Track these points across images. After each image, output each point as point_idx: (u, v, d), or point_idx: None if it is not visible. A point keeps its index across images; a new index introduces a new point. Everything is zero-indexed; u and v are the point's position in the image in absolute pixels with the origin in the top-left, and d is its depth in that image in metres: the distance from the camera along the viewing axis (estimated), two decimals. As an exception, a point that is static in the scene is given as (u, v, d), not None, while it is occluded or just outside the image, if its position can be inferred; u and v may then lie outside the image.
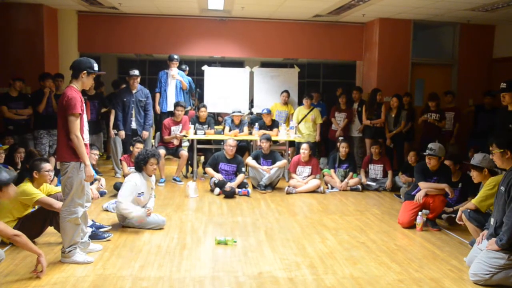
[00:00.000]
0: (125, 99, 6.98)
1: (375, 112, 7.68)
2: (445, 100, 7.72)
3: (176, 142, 7.31)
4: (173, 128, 7.27)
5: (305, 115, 7.90)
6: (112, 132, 7.13)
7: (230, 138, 6.84)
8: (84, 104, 3.68)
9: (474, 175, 4.47)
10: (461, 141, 7.61)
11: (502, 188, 3.63)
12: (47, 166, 4.28)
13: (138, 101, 6.98)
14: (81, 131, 3.60)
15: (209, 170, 6.63)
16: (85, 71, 3.64)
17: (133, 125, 7.04)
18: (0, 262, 3.51)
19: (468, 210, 4.19)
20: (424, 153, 5.13)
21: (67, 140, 3.56)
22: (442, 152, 5.13)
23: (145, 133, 7.06)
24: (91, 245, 4.00)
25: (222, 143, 7.09)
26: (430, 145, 5.13)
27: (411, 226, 5.08)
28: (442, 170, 5.21)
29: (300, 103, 8.46)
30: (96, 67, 3.72)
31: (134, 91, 6.98)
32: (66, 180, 3.60)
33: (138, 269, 3.69)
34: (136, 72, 7.01)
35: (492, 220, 3.75)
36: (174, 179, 7.13)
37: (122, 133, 7.02)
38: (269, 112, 7.74)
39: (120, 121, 7.01)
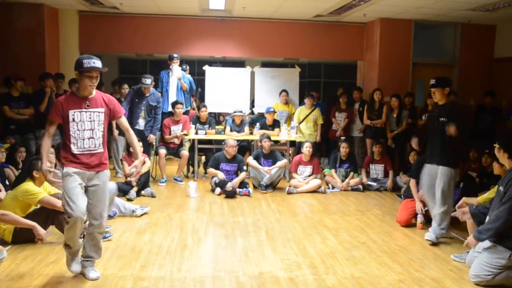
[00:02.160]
0: (136, 100, 6.92)
1: (376, 112, 7.68)
2: (449, 100, 7.70)
3: (177, 141, 7.31)
4: (173, 127, 7.27)
5: (307, 115, 7.90)
6: (116, 132, 7.11)
7: (229, 139, 6.84)
8: (85, 110, 3.32)
9: (496, 167, 4.50)
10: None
11: (501, 188, 3.64)
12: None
13: (148, 105, 6.96)
14: (67, 138, 3.30)
15: (211, 169, 6.62)
16: (76, 71, 3.30)
17: (140, 126, 7.00)
18: (1, 262, 3.52)
19: (473, 206, 4.18)
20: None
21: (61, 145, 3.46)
22: None
23: (152, 137, 7.05)
24: (88, 271, 3.50)
25: (223, 143, 7.09)
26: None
27: (411, 224, 5.10)
28: None
29: (301, 103, 8.46)
30: (88, 63, 3.24)
31: (147, 95, 6.94)
32: None
33: (139, 269, 3.69)
34: (148, 81, 6.86)
35: (487, 219, 3.75)
36: (175, 179, 7.14)
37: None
38: (274, 111, 7.74)
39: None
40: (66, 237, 3.40)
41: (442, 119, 4.45)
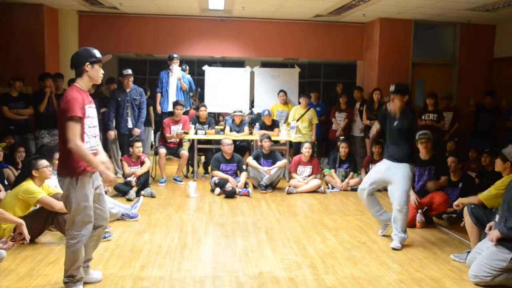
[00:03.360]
0: (119, 99, 6.94)
1: (375, 112, 7.67)
2: (444, 101, 7.73)
3: (176, 141, 7.27)
4: (173, 127, 7.26)
5: (302, 115, 7.88)
6: (114, 132, 7.11)
7: (225, 138, 6.84)
8: (91, 105, 3.17)
9: (497, 163, 4.33)
10: (462, 141, 7.61)
11: None
12: (44, 163, 4.27)
13: (132, 99, 6.96)
14: (82, 136, 3.03)
15: (218, 173, 6.59)
16: (87, 63, 3.09)
17: (129, 124, 7.01)
18: (0, 262, 3.52)
19: (472, 206, 4.17)
20: (418, 139, 5.18)
21: (65, 150, 3.02)
22: (431, 135, 5.32)
23: (136, 130, 7.02)
24: (91, 273, 3.42)
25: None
26: (420, 132, 5.27)
27: (412, 225, 5.09)
28: (436, 159, 5.31)
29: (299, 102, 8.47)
30: (98, 53, 3.16)
31: (128, 90, 6.95)
32: (65, 198, 3.09)
33: (138, 269, 3.69)
34: (129, 71, 6.98)
35: (497, 217, 3.74)
36: (175, 179, 7.14)
37: (112, 133, 6.98)
38: (270, 114, 7.73)
39: (111, 121, 6.98)
40: (71, 265, 3.11)
41: (396, 123, 4.47)
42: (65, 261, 3.16)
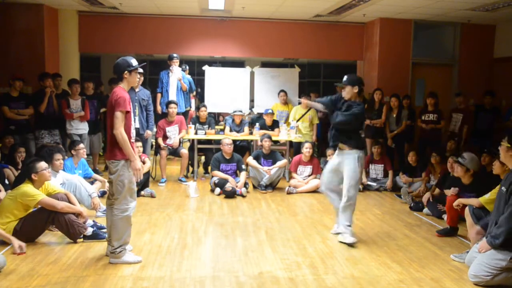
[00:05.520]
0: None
1: (375, 112, 7.68)
2: (456, 101, 7.69)
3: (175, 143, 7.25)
4: (168, 129, 7.23)
5: (302, 115, 7.88)
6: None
7: (225, 138, 6.84)
8: (132, 104, 3.72)
9: (496, 166, 4.31)
10: (461, 141, 7.59)
11: (504, 188, 3.61)
12: (43, 165, 4.25)
13: (141, 100, 6.93)
14: (128, 129, 3.64)
15: (218, 173, 6.58)
16: (125, 72, 3.75)
17: (136, 124, 6.99)
18: (1, 269, 3.51)
19: (473, 207, 4.17)
20: (456, 160, 4.95)
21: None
22: (474, 164, 4.86)
23: (149, 133, 7.03)
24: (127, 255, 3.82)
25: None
26: (464, 154, 4.94)
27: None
28: (478, 184, 4.81)
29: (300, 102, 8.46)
30: (135, 62, 3.81)
31: (137, 90, 6.93)
32: (117, 178, 3.64)
33: (138, 269, 3.69)
34: (141, 69, 6.95)
35: (490, 221, 3.74)
36: (180, 180, 7.12)
37: None
38: (272, 113, 7.74)
39: None
40: (125, 234, 3.72)
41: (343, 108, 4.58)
42: (117, 234, 3.68)
